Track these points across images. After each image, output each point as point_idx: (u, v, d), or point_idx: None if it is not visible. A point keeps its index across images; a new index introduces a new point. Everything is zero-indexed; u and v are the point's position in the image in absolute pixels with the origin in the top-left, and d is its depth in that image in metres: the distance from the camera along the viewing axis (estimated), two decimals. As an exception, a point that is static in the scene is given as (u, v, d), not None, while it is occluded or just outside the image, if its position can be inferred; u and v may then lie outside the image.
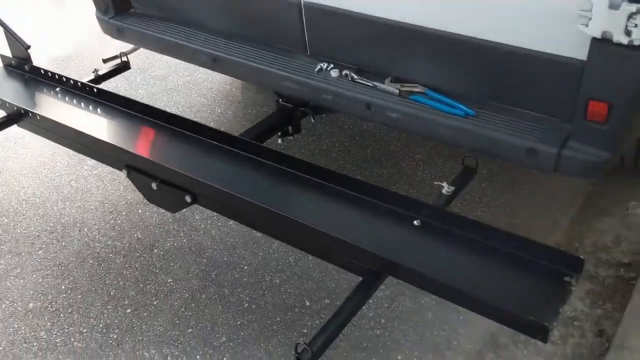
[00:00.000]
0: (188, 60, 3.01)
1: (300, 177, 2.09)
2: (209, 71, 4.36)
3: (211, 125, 2.73)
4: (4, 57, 3.02)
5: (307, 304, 2.55)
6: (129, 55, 3.24)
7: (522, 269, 1.71)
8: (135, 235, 2.94)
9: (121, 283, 2.67)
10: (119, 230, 2.97)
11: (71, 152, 3.46)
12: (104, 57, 3.21)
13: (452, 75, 2.27)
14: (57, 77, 2.80)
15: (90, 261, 2.79)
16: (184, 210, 2.78)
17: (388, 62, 2.45)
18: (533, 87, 2.10)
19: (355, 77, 2.47)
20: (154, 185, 2.20)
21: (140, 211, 3.09)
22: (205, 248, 2.85)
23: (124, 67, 3.13)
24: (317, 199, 2.01)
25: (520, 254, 1.74)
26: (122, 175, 3.33)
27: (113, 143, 2.28)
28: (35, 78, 2.87)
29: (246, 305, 2.55)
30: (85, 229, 2.99)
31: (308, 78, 2.54)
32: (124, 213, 3.08)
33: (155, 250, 2.84)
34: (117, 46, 3.31)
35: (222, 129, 2.36)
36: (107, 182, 3.31)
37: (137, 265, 2.76)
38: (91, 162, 3.46)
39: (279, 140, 2.82)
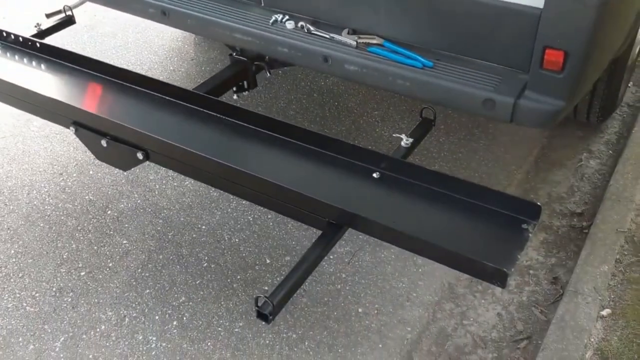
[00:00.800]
0: (136, 14, 2.87)
1: (258, 132, 2.04)
2: (160, 28, 4.23)
3: (163, 81, 2.63)
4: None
5: (267, 261, 2.52)
6: (73, 10, 3.08)
7: (480, 216, 1.72)
8: (87, 197, 2.85)
9: (74, 246, 2.59)
10: (70, 192, 2.87)
11: (16, 112, 3.33)
12: (47, 12, 3.04)
13: (409, 26, 2.24)
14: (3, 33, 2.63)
15: (41, 224, 2.69)
16: (138, 170, 2.72)
17: (345, 14, 2.39)
18: (490, 37, 2.09)
19: (312, 28, 2.40)
20: (103, 143, 2.11)
21: (91, 172, 2.98)
22: (161, 208, 2.78)
23: (68, 21, 2.97)
24: (275, 153, 1.97)
25: (478, 203, 1.75)
26: (70, 136, 3.23)
27: (59, 99, 2.17)
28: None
29: (205, 265, 2.51)
30: (34, 192, 2.87)
31: (262, 30, 2.46)
32: (74, 174, 2.97)
33: (109, 212, 2.76)
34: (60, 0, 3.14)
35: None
36: (55, 143, 3.18)
37: (90, 228, 2.68)
38: (38, 122, 3.31)
39: (234, 96, 2.74)
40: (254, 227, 2.69)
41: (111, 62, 2.38)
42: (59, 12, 3.06)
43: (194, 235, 2.64)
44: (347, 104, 3.45)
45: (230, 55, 2.71)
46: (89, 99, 2.26)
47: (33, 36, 2.74)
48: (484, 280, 1.59)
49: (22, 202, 2.81)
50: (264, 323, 1.73)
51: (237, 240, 2.63)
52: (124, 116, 2.10)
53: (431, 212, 1.75)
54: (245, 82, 2.71)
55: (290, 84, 3.63)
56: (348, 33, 2.37)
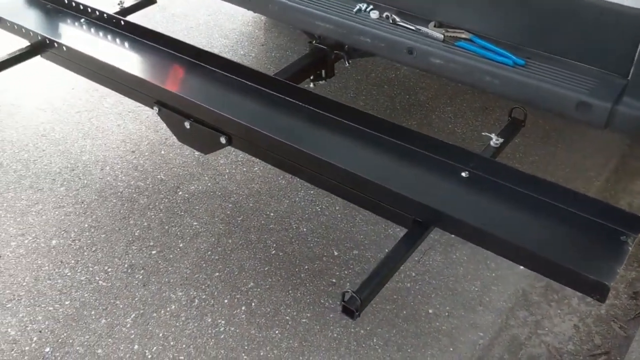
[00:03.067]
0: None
1: (343, 123, 2.00)
2: (231, 11, 4.24)
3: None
4: (23, -15, 2.88)
5: (335, 254, 2.50)
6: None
7: (576, 225, 1.64)
8: (158, 176, 2.87)
9: (145, 224, 2.62)
10: (142, 170, 2.90)
11: (90, 88, 3.39)
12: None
13: (500, 22, 2.16)
14: (81, 7, 2.67)
15: (114, 200, 2.73)
16: (209, 154, 2.72)
17: (432, 5, 2.33)
18: (588, 38, 1.99)
19: (397, 19, 2.34)
20: (187, 125, 2.12)
21: (163, 152, 3.01)
22: (230, 193, 2.78)
23: (149, 0, 2.99)
24: (362, 146, 1.92)
25: (573, 210, 1.67)
26: (143, 114, 3.29)
27: (144, 78, 2.18)
28: (59, 8, 2.74)
29: (273, 252, 2.50)
30: (107, 168, 2.92)
31: (346, 18, 2.41)
32: (146, 153, 3.01)
33: (180, 193, 2.78)
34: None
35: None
36: (128, 120, 3.23)
37: (161, 207, 2.70)
38: (111, 99, 3.36)
39: (311, 85, 2.71)
40: (321, 218, 2.66)
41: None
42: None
43: (262, 222, 2.63)
44: (419, 97, 3.38)
45: (310, 42, 2.68)
46: (173, 80, 2.26)
47: (116, 14, 2.77)
48: (581, 292, 1.51)
49: (95, 177, 2.86)
50: (347, 318, 1.70)
51: (304, 229, 2.61)
52: (208, 99, 2.09)
53: (524, 217, 1.68)
54: (323, 71, 2.68)
55: (361, 74, 3.58)
56: (435, 26, 2.30)
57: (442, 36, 2.22)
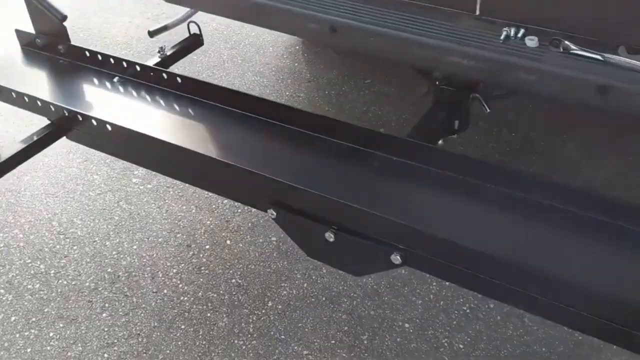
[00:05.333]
0: (285, 31, 2.15)
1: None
2: (256, 40, 3.51)
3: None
4: (21, 34, 2.09)
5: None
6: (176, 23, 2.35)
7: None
8: (232, 279, 2.11)
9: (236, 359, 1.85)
10: (208, 273, 2.13)
11: (109, 158, 2.60)
12: (150, 29, 2.31)
13: None
14: (111, 60, 1.90)
15: (182, 327, 1.96)
16: (288, 237, 2.00)
17: (618, 25, 1.65)
18: None
19: (572, 46, 1.66)
20: (329, 236, 1.38)
21: (228, 242, 2.25)
22: (339, 295, 2.04)
23: (195, 42, 2.23)
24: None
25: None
26: (187, 189, 2.52)
27: (250, 169, 1.43)
28: (77, 63, 1.97)
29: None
30: (160, 274, 2.14)
31: (491, 50, 1.73)
32: (207, 246, 2.24)
33: (270, 303, 2.02)
34: (118, 10, 2.39)
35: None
36: (169, 200, 2.45)
37: (250, 330, 1.94)
38: (139, 172, 2.58)
39: (440, 141, 2.00)
40: (475, 325, 1.95)
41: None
42: (164, 28, 2.33)
43: (398, 339, 1.90)
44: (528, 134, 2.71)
45: (436, 85, 1.97)
46: (289, 166, 1.52)
47: (156, 65, 2.01)
48: None
49: (147, 292, 2.08)
50: None
51: (460, 345, 1.88)
52: (365, 197, 1.37)
53: None
54: (456, 122, 1.97)
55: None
56: (628, 52, 1.63)
57: (648, 66, 1.55)
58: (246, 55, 3.41)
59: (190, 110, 1.71)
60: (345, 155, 1.50)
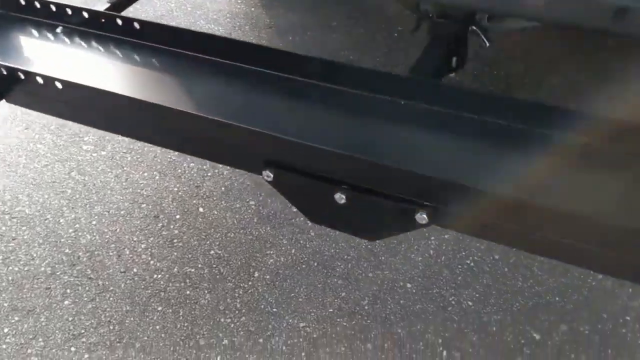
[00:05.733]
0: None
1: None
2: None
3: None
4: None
5: None
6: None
7: None
8: (211, 251, 1.88)
9: (225, 342, 1.65)
10: (182, 246, 1.90)
11: (53, 124, 2.30)
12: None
13: None
14: (52, 7, 1.59)
15: (159, 308, 1.73)
16: (268, 199, 1.82)
17: None
18: None
19: (582, -35, 1.47)
20: (340, 198, 1.17)
21: (201, 209, 2.01)
22: (332, 258, 1.85)
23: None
24: None
25: None
26: (147, 152, 2.24)
27: (240, 124, 1.19)
28: (11, 14, 1.65)
29: None
30: (127, 251, 1.89)
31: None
32: (177, 216, 1.99)
33: (256, 274, 1.82)
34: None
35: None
36: (127, 167, 2.18)
37: (237, 305, 1.73)
38: (91, 136, 2.29)
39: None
40: (482, 279, 1.80)
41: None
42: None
43: (401, 301, 1.74)
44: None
45: (431, 19, 1.75)
46: (284, 118, 1.28)
47: (108, 10, 1.71)
48: None
49: (114, 272, 1.83)
50: None
51: (469, 302, 1.74)
52: (382, 148, 1.16)
53: None
54: (454, 59, 1.77)
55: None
56: None
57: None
58: (196, 2, 3.09)
59: (154, 61, 1.44)
60: (351, 102, 1.28)
